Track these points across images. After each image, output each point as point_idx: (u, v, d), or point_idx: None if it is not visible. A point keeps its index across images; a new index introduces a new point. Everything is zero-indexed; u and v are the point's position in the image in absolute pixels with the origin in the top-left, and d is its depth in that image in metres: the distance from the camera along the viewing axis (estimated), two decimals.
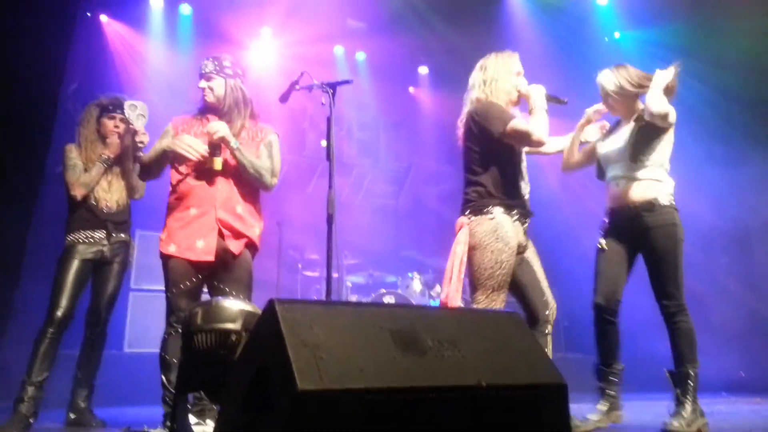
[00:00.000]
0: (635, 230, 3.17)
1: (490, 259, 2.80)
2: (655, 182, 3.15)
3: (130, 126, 3.49)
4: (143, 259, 5.24)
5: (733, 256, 6.13)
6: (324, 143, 2.78)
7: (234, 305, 1.95)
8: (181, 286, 2.78)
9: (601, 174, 3.38)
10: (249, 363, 1.70)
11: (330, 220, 2.58)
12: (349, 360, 1.52)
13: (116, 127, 3.61)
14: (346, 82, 2.74)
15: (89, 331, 3.53)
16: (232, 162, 2.86)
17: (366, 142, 8.19)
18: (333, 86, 2.68)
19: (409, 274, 6.17)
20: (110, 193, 3.57)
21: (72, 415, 3.41)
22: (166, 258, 2.83)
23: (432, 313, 1.90)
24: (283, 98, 2.91)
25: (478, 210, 2.88)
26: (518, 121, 2.83)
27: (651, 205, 3.12)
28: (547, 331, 2.90)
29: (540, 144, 2.88)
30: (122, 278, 3.67)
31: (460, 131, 3.05)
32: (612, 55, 6.74)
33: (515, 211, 2.89)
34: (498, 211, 2.85)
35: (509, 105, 3.02)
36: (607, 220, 3.31)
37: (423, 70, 7.99)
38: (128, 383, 4.62)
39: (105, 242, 3.52)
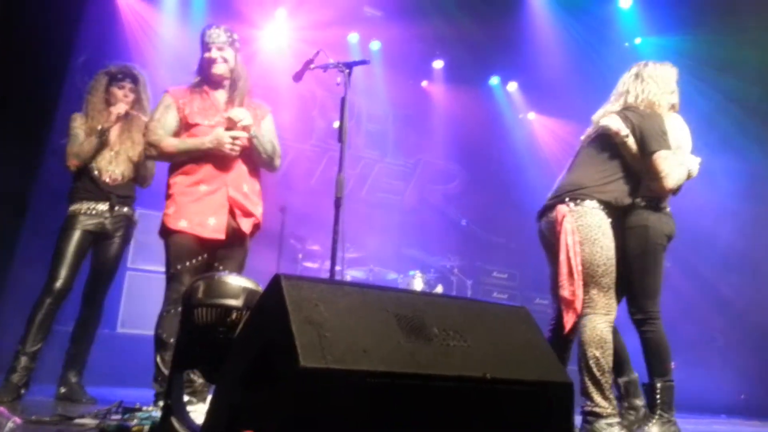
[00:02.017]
0: (618, 231, 3.05)
1: (601, 254, 2.72)
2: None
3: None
4: (141, 238, 5.18)
5: (741, 275, 6.05)
6: (336, 124, 2.72)
7: (237, 281, 1.90)
8: (187, 263, 2.72)
9: None
10: (250, 339, 1.65)
11: (338, 203, 2.51)
12: (353, 341, 1.48)
13: (125, 96, 3.56)
14: (364, 62, 2.68)
15: (85, 306, 3.50)
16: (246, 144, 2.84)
17: (375, 134, 8.12)
18: (349, 66, 2.62)
19: (411, 273, 6.10)
20: (115, 165, 3.50)
21: (63, 390, 3.37)
22: (172, 233, 2.75)
23: (438, 301, 1.85)
24: (297, 77, 2.85)
25: (580, 199, 2.82)
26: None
27: (624, 207, 2.99)
28: None
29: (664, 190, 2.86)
30: (122, 253, 3.62)
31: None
32: (631, 61, 6.66)
33: (610, 218, 2.87)
34: (603, 209, 2.83)
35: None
36: None
37: (438, 64, 7.90)
38: (120, 363, 4.57)
39: (107, 215, 3.47)
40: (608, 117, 2.95)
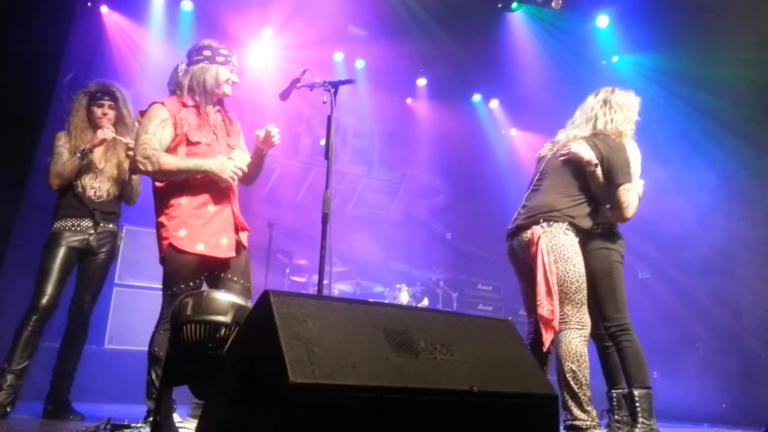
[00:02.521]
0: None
1: (574, 272, 2.80)
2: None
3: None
4: (129, 254, 5.19)
5: (717, 283, 6.16)
6: (323, 142, 2.76)
7: (226, 297, 1.92)
8: (191, 283, 2.71)
9: None
10: (239, 355, 1.67)
11: (325, 219, 2.55)
12: (342, 356, 1.50)
13: (105, 114, 3.57)
14: (349, 81, 2.72)
15: (72, 322, 3.48)
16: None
17: (360, 150, 8.19)
18: (335, 85, 2.67)
19: (397, 286, 6.13)
20: (100, 182, 3.52)
21: (50, 407, 3.34)
22: (185, 255, 2.69)
23: (425, 315, 1.88)
24: (284, 95, 2.89)
25: (552, 220, 2.93)
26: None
27: (586, 232, 3.16)
28: None
29: (622, 220, 3.05)
30: (108, 269, 3.61)
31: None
32: (609, 79, 6.81)
33: (579, 236, 2.99)
34: (573, 230, 2.93)
35: None
36: None
37: (421, 81, 8.02)
38: (108, 379, 4.54)
39: (91, 231, 3.47)
40: (579, 144, 3.05)
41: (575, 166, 3.02)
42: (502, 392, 1.74)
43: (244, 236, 2.91)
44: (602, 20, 6.79)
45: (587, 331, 2.80)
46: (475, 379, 1.68)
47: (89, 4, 6.05)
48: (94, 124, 3.56)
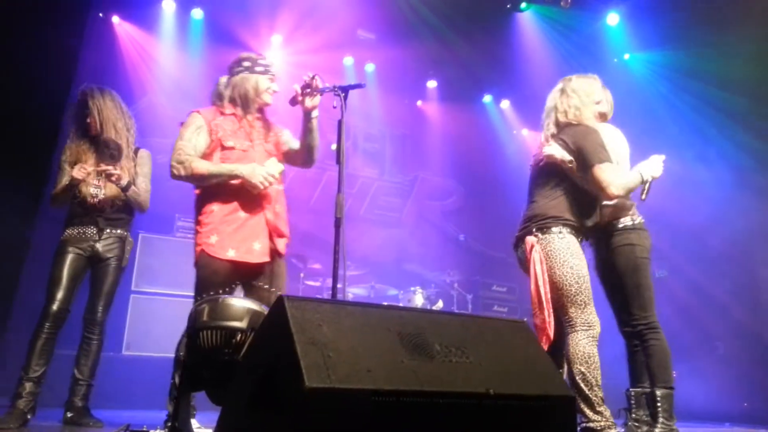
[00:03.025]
0: (599, 252, 3.26)
1: (572, 274, 2.80)
2: (613, 204, 3.17)
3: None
4: (145, 261, 5.23)
5: (735, 281, 6.09)
6: (334, 147, 2.79)
7: (241, 303, 1.93)
8: (221, 291, 2.73)
9: None
10: (255, 361, 1.68)
11: (338, 223, 2.55)
12: (357, 360, 1.50)
13: (92, 120, 3.50)
14: (359, 86, 2.72)
15: (87, 329, 3.49)
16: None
17: (372, 154, 8.19)
18: (345, 89, 2.66)
19: (412, 288, 6.12)
20: (97, 188, 3.48)
21: (69, 414, 3.37)
22: (217, 261, 2.74)
23: (439, 318, 1.88)
24: (294, 101, 2.90)
25: (545, 228, 2.91)
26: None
27: (606, 230, 3.17)
28: None
29: (610, 199, 2.97)
30: (119, 275, 3.60)
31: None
32: (620, 77, 6.78)
33: (581, 234, 2.96)
34: (569, 231, 2.89)
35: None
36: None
37: (432, 84, 8.02)
38: (126, 386, 4.57)
39: (96, 237, 3.47)
40: (550, 146, 3.03)
41: (555, 167, 3.00)
42: (519, 394, 1.74)
43: (281, 243, 2.92)
44: (612, 18, 6.75)
45: (595, 330, 2.78)
46: (490, 382, 1.68)
47: (101, 14, 6.12)
48: (88, 135, 3.54)
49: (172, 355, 2.67)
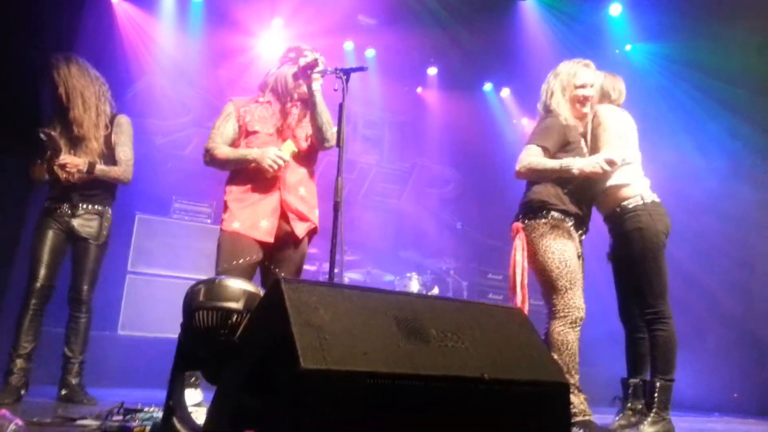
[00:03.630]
0: (613, 239, 3.24)
1: (553, 259, 2.80)
2: (618, 187, 3.15)
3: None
4: (142, 242, 5.23)
5: (728, 272, 6.12)
6: (334, 130, 2.77)
7: (237, 284, 1.93)
8: (234, 262, 2.78)
9: None
10: (252, 342, 1.69)
11: (336, 207, 2.55)
12: (353, 343, 1.51)
13: (60, 92, 3.37)
14: (361, 68, 2.71)
15: (73, 308, 3.46)
16: (303, 147, 2.99)
17: (371, 140, 8.17)
18: (347, 72, 2.65)
19: (408, 275, 6.15)
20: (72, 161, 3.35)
21: (64, 392, 3.38)
22: (224, 234, 2.86)
23: (436, 303, 1.89)
24: (296, 76, 2.89)
25: (531, 215, 2.92)
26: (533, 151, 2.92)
27: (616, 213, 3.15)
28: None
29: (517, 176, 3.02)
30: (100, 252, 3.50)
31: None
32: (622, 68, 6.75)
33: (571, 218, 2.94)
34: (553, 216, 2.89)
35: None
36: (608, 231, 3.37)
37: (432, 71, 7.98)
38: (121, 365, 4.58)
39: (69, 213, 3.41)
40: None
41: None
42: (513, 380, 1.75)
43: (300, 226, 2.93)
44: (615, 8, 6.71)
45: (574, 315, 2.79)
46: (485, 367, 1.69)
47: None
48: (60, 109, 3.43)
49: (168, 335, 2.69)
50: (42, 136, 3.29)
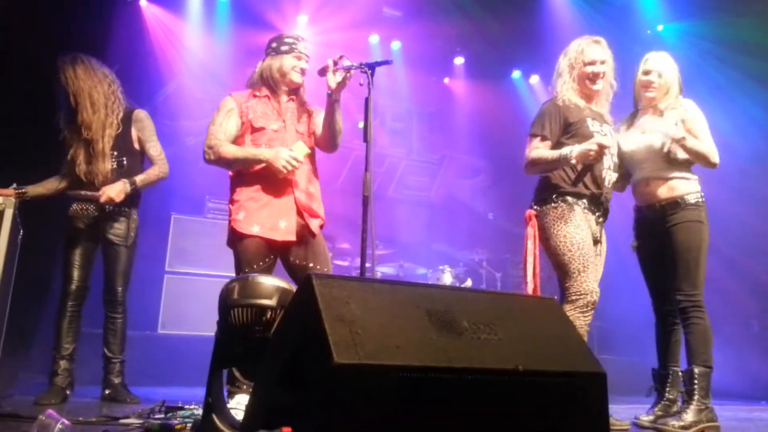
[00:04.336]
0: (662, 228, 3.13)
1: (564, 243, 2.79)
2: (683, 180, 3.11)
3: None
4: (178, 242, 5.34)
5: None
6: (361, 125, 2.77)
7: (271, 281, 1.95)
8: (254, 266, 2.78)
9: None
10: (285, 338, 1.70)
11: (365, 201, 2.55)
12: (385, 337, 1.51)
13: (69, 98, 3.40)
14: (386, 62, 2.69)
15: (109, 309, 3.52)
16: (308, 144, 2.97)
17: (399, 133, 8.15)
18: (372, 66, 2.64)
19: (440, 267, 6.13)
20: (94, 165, 3.38)
21: (107, 391, 3.46)
22: (244, 238, 2.80)
23: (468, 295, 1.88)
24: (322, 72, 2.88)
25: (542, 200, 2.91)
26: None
27: (677, 204, 3.09)
28: None
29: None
30: (130, 254, 3.52)
31: None
32: (654, 48, 6.57)
33: (583, 200, 2.89)
34: (564, 200, 2.87)
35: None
36: (636, 219, 3.29)
37: (459, 60, 7.91)
38: (161, 364, 4.69)
39: (95, 214, 3.44)
40: None
41: None
42: (548, 371, 1.72)
43: (314, 223, 2.94)
44: None
45: (585, 300, 2.76)
46: (519, 358, 1.67)
47: None
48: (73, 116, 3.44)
49: (207, 333, 2.73)
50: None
